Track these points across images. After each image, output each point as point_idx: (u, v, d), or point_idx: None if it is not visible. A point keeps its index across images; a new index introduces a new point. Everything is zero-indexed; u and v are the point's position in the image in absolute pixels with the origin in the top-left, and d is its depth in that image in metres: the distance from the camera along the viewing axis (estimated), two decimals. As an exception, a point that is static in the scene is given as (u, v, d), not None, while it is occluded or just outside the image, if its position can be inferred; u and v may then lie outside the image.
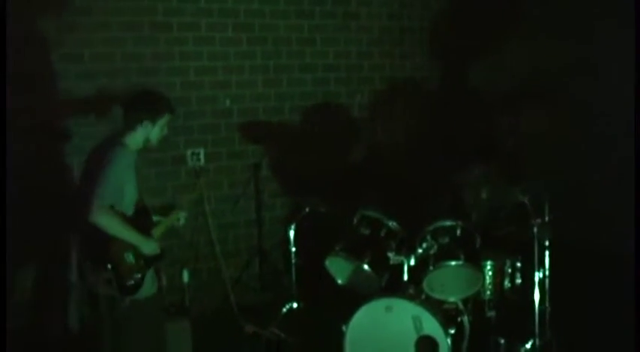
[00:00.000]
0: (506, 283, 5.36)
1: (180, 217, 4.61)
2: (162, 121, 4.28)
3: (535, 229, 4.78)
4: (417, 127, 7.03)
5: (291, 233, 5.59)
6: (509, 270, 5.35)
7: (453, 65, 7.35)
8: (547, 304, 4.95)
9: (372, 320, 4.81)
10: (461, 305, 5.08)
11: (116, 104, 5.04)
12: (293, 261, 5.62)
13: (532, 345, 4.88)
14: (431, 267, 4.88)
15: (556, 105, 6.80)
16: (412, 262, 5.00)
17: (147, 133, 4.24)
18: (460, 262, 4.84)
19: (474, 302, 5.29)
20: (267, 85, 6.67)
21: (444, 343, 4.64)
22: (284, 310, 5.72)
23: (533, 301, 4.88)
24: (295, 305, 5.68)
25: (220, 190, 6.52)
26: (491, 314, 5.34)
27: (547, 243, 4.88)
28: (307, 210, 5.55)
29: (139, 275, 4.21)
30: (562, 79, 6.75)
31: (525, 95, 6.90)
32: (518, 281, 5.41)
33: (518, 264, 5.40)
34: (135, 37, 6.04)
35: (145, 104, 4.28)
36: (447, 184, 5.94)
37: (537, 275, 4.84)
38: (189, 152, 6.36)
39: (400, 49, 7.25)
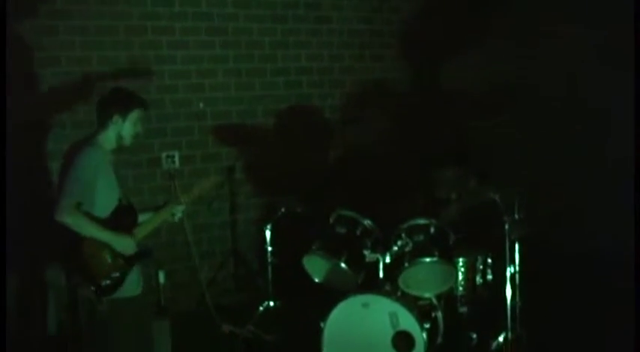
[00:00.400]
0: (478, 279, 5.48)
1: (176, 212, 4.55)
2: (133, 116, 4.25)
3: (506, 226, 4.93)
4: (388, 129, 7.15)
5: (267, 233, 5.70)
6: (481, 266, 5.48)
7: (423, 67, 7.48)
8: (517, 299, 5.11)
9: (349, 316, 4.92)
10: (435, 301, 5.22)
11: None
12: (269, 260, 5.73)
13: (504, 338, 5.02)
14: (406, 264, 5.01)
15: (529, 106, 6.97)
16: (387, 259, 5.13)
17: (118, 129, 4.21)
18: (435, 259, 4.98)
19: (447, 298, 5.42)
20: (240, 88, 6.75)
21: (420, 338, 4.77)
22: (261, 309, 5.82)
23: (504, 296, 5.05)
24: (272, 303, 5.79)
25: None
26: (464, 309, 5.47)
27: (517, 240, 5.04)
28: (283, 210, 5.66)
29: (117, 275, 4.17)
30: (532, 81, 6.92)
31: (495, 97, 7.04)
32: (489, 277, 5.53)
33: (489, 261, 5.52)
34: (111, 41, 6.09)
35: (114, 100, 4.27)
36: (419, 184, 6.07)
37: (509, 271, 4.99)
38: (164, 155, 6.41)
39: (370, 52, 7.36)
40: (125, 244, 4.21)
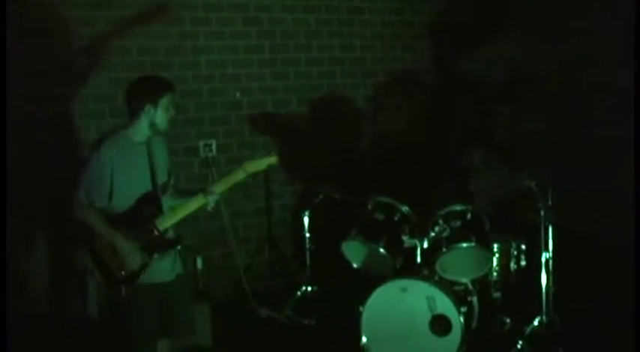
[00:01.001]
0: (512, 265, 5.58)
1: (210, 201, 4.42)
2: (165, 102, 4.15)
3: (542, 213, 5.03)
4: (418, 117, 7.25)
5: (306, 219, 5.82)
6: (515, 252, 5.57)
7: (452, 57, 7.57)
8: (551, 285, 5.21)
9: (387, 300, 5.01)
10: (470, 286, 5.31)
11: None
12: (307, 246, 5.85)
13: (539, 322, 5.13)
14: (444, 249, 5.11)
15: (554, 96, 7.06)
16: (425, 245, 5.22)
17: (151, 118, 4.14)
18: (472, 244, 5.08)
19: (481, 284, 5.51)
20: (275, 78, 6.87)
21: (457, 321, 4.85)
22: (298, 294, 5.95)
23: (539, 282, 5.15)
24: (309, 288, 5.92)
25: (232, 180, 6.70)
26: (497, 295, 5.56)
27: (551, 226, 5.13)
28: (321, 196, 5.78)
29: (133, 267, 4.16)
30: (561, 71, 6.99)
31: (524, 86, 7.12)
32: (523, 263, 5.62)
33: (523, 247, 5.61)
34: (149, 31, 6.22)
35: (143, 89, 4.18)
36: (451, 171, 6.17)
37: (544, 257, 5.09)
38: (201, 143, 6.54)
39: (401, 43, 7.46)
40: (128, 249, 4.15)
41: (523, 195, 5.44)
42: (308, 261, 5.90)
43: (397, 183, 6.12)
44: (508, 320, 5.50)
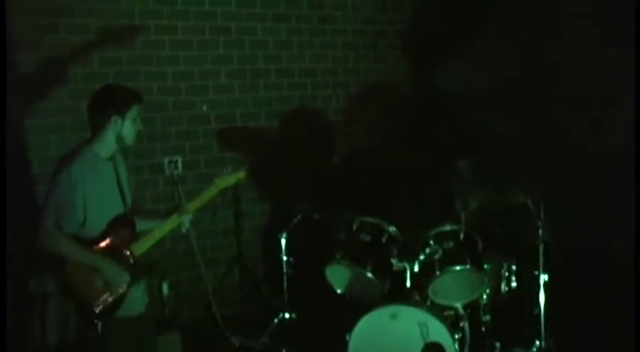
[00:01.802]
0: (503, 286, 5.30)
1: (184, 222, 4.16)
2: (133, 113, 3.82)
3: (540, 231, 4.76)
4: (394, 130, 6.96)
5: (283, 241, 5.45)
6: (506, 273, 5.30)
7: (427, 68, 7.30)
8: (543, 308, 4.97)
9: (376, 328, 4.72)
10: (461, 310, 5.02)
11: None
12: (284, 270, 5.48)
13: (537, 348, 4.86)
14: (437, 272, 4.80)
15: (533, 106, 6.79)
16: (416, 268, 4.91)
17: (118, 131, 3.80)
18: (467, 267, 4.78)
19: (471, 307, 5.22)
20: (243, 90, 6.50)
21: (452, 349, 4.58)
22: (275, 321, 5.57)
23: (530, 304, 4.89)
24: (287, 315, 5.54)
25: (198, 199, 6.30)
26: (487, 318, 5.27)
27: (546, 246, 4.88)
28: (299, 216, 5.42)
29: (111, 298, 3.79)
30: (538, 80, 6.75)
31: (500, 97, 6.86)
32: (514, 284, 5.35)
33: (514, 267, 5.34)
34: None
35: (109, 98, 3.84)
36: (434, 187, 5.88)
37: (542, 279, 4.82)
38: (166, 160, 6.14)
39: (374, 53, 7.16)
40: (115, 272, 3.82)
41: (513, 212, 5.20)
42: (285, 285, 5.50)
43: (376, 201, 5.83)
44: (498, 345, 5.21)
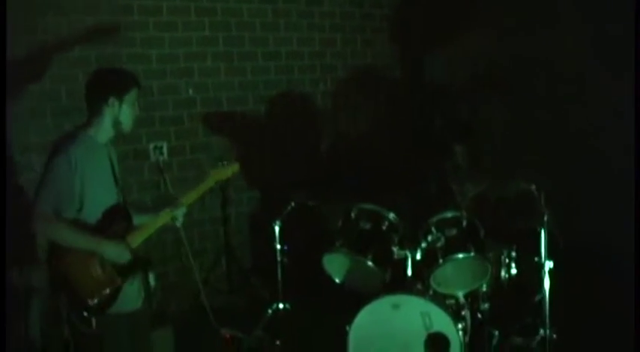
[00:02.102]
0: (503, 274, 5.16)
1: (178, 215, 4.06)
2: (131, 97, 3.70)
3: (545, 217, 4.62)
4: (382, 115, 6.78)
5: (277, 229, 5.24)
6: (506, 260, 5.15)
7: (414, 52, 7.13)
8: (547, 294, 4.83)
9: (378, 318, 4.56)
10: (462, 299, 4.89)
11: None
12: (279, 259, 5.27)
13: (542, 337, 4.73)
14: (440, 261, 4.64)
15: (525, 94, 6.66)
16: (418, 256, 4.74)
17: (115, 114, 3.65)
18: (471, 255, 4.63)
19: (470, 295, 5.09)
20: (230, 74, 6.28)
21: (456, 338, 4.47)
22: (269, 311, 5.37)
23: (542, 291, 4.73)
24: (281, 306, 5.34)
25: (185, 185, 6.04)
26: (485, 306, 5.13)
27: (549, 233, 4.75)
28: (293, 204, 5.22)
29: (107, 291, 3.63)
30: (528, 67, 6.61)
31: (489, 84, 6.71)
32: (514, 271, 5.21)
33: (513, 254, 5.20)
34: (94, 20, 5.56)
35: (106, 80, 3.69)
36: (430, 173, 5.72)
37: (547, 265, 4.68)
38: (151, 146, 5.91)
39: (362, 36, 6.97)
40: (117, 251, 3.66)
41: (513, 198, 5.07)
42: (280, 275, 5.30)
43: (369, 188, 5.64)
44: (497, 333, 5.08)
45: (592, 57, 5.96)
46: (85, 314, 3.62)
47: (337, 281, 4.97)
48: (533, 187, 4.68)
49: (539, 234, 4.69)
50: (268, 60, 6.46)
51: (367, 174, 6.15)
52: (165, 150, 5.97)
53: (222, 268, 6.33)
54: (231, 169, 4.28)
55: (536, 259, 4.88)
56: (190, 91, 6.08)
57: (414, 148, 6.26)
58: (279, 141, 6.41)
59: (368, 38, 7.02)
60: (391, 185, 5.72)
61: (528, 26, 6.46)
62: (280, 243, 5.24)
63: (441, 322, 4.48)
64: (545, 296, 4.69)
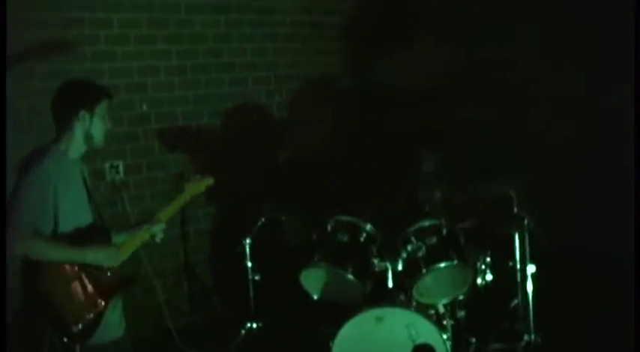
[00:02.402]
0: (479, 280, 5.12)
1: (157, 233, 3.88)
2: (102, 110, 3.55)
3: (526, 222, 4.60)
4: (343, 125, 6.67)
5: (247, 246, 5.09)
6: (482, 267, 5.11)
7: (366, 61, 7.04)
8: (521, 299, 4.83)
9: (361, 333, 4.46)
10: (442, 308, 4.82)
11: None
12: (250, 276, 5.12)
13: (527, 342, 4.71)
14: (423, 271, 4.55)
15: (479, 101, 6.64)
16: (399, 267, 4.65)
17: (86, 128, 3.49)
18: (454, 263, 4.56)
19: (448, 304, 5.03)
20: (184, 87, 6.07)
21: (442, 349, 4.40)
22: (242, 332, 5.20)
23: (523, 296, 4.75)
24: (254, 325, 5.18)
25: (142, 204, 5.86)
26: (462, 313, 5.08)
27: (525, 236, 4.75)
28: (263, 219, 5.07)
29: (91, 315, 3.42)
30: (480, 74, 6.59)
31: (446, 90, 6.67)
32: (489, 277, 5.17)
33: (488, 259, 5.17)
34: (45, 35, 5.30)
35: (76, 92, 3.55)
36: (398, 181, 5.64)
37: (529, 269, 4.67)
38: (107, 165, 5.66)
39: (315, 45, 6.86)
40: (108, 253, 3.51)
41: (491, 204, 5.04)
42: (252, 292, 5.13)
43: (335, 200, 5.52)
44: (474, 340, 5.03)
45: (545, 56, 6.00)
46: (66, 340, 3.39)
47: (315, 297, 4.82)
48: (509, 191, 4.67)
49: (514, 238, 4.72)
50: (222, 72, 6.28)
51: (328, 186, 6.04)
52: (121, 168, 5.73)
53: (183, 288, 6.11)
54: (204, 183, 4.17)
55: (510, 263, 4.91)
56: (144, 107, 5.85)
57: (379, 157, 6.15)
58: (237, 155, 6.22)
59: (321, 47, 6.91)
60: (358, 195, 5.62)
61: (481, 30, 6.47)
62: (251, 260, 5.09)
63: (427, 333, 4.40)
64: (528, 300, 4.70)
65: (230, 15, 6.29)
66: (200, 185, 4.16)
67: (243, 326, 5.17)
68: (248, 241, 5.06)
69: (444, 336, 4.44)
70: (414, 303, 4.60)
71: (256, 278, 5.11)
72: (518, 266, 4.85)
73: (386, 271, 4.66)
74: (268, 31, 6.55)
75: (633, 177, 4.45)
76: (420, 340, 4.39)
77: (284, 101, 6.68)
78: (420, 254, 4.64)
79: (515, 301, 5.05)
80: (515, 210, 4.78)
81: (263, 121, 6.53)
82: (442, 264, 4.55)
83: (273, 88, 6.62)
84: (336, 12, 7.01)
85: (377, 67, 6.96)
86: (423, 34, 6.78)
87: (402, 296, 4.62)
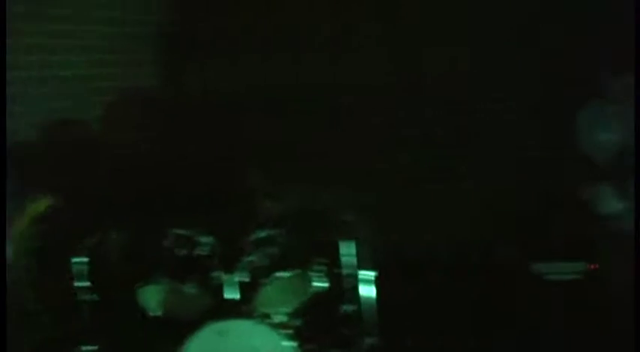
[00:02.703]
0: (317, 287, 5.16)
1: None
2: None
3: (356, 228, 4.73)
4: (164, 137, 6.55)
5: (79, 265, 4.84)
6: (317, 274, 5.16)
7: (183, 70, 6.97)
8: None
9: (205, 348, 4.39)
10: (285, 317, 4.84)
11: None
12: (83, 298, 4.88)
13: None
14: (265, 280, 4.57)
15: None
16: (242, 278, 4.63)
17: None
18: (297, 272, 4.62)
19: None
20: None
21: (290, 357, 4.40)
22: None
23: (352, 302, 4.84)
24: (89, 348, 4.94)
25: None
26: (302, 321, 5.10)
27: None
28: (95, 239, 4.87)
29: None
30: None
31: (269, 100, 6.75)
32: (324, 284, 5.23)
33: (323, 267, 5.22)
34: None
35: None
36: (230, 193, 5.62)
37: (370, 275, 4.78)
38: None
39: (130, 56, 6.67)
40: None
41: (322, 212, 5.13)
42: (85, 314, 4.90)
43: (170, 214, 5.40)
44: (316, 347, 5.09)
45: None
46: None
47: (153, 314, 4.70)
48: (336, 199, 4.79)
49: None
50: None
51: (162, 200, 5.90)
52: None
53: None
54: (43, 204, 4.18)
55: (343, 271, 4.99)
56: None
57: (208, 169, 6.09)
58: (59, 173, 5.92)
59: (135, 58, 6.73)
60: (193, 207, 5.53)
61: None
62: (83, 280, 4.87)
63: (271, 343, 4.42)
64: (360, 305, 4.80)
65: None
66: (40, 206, 4.32)
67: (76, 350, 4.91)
68: (79, 260, 4.82)
69: (288, 345, 4.46)
70: (257, 314, 4.58)
71: (90, 297, 4.87)
72: (351, 272, 4.92)
73: (227, 283, 4.61)
74: (78, 42, 6.27)
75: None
76: (265, 350, 4.38)
77: (101, 115, 6.43)
78: (260, 264, 4.63)
79: (352, 307, 5.13)
80: (345, 217, 4.87)
81: (82, 137, 6.25)
82: (284, 274, 4.58)
83: (89, 101, 6.34)
84: (149, 23, 6.87)
85: (196, 77, 6.91)
86: (234, 45, 6.81)
87: (244, 307, 4.59)
